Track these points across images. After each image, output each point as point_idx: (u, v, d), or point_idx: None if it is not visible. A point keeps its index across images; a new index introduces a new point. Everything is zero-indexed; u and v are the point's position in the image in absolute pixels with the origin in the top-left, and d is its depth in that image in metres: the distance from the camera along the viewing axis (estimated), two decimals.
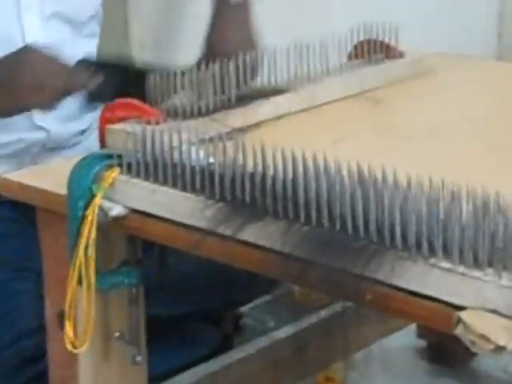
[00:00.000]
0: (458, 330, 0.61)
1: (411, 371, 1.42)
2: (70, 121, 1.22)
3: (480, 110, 1.09)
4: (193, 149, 0.79)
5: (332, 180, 0.71)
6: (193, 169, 0.77)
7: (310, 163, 0.73)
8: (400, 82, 1.19)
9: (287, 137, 1.00)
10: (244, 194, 0.74)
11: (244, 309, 1.21)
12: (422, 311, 0.66)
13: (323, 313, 1.10)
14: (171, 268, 0.98)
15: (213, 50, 1.20)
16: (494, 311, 0.62)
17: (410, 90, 1.18)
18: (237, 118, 1.02)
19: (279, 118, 1.06)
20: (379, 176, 0.70)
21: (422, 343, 1.44)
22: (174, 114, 0.98)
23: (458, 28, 1.87)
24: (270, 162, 0.75)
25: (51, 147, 1.21)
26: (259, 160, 0.75)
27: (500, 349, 0.60)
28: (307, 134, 1.03)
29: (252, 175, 0.74)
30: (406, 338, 1.39)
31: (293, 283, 0.74)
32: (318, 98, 1.11)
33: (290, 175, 0.74)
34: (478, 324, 0.61)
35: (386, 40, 1.21)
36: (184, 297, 1.14)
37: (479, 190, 0.66)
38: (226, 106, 1.03)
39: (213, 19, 1.25)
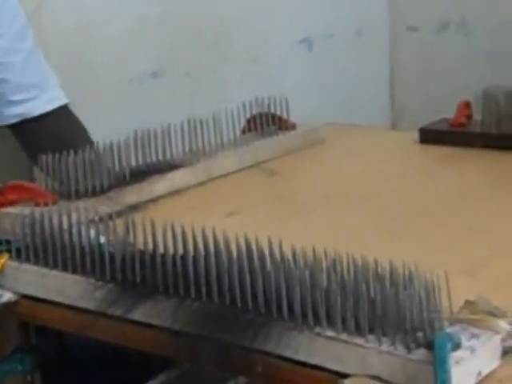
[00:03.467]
0: None
1: None
2: None
3: (370, 180, 1.14)
4: (83, 230, 0.80)
5: (220, 255, 0.73)
6: (83, 250, 0.78)
7: (200, 239, 0.75)
8: (293, 153, 1.23)
9: (182, 212, 1.02)
10: (134, 273, 0.75)
11: None
12: (309, 380, 0.67)
13: None
14: (70, 347, 0.97)
15: None
16: (376, 377, 0.64)
17: (302, 161, 1.22)
18: (131, 194, 1.03)
19: (175, 193, 1.08)
20: (266, 249, 0.72)
21: None
22: (67, 194, 0.99)
23: (352, 96, 1.94)
24: (159, 239, 0.76)
25: None
26: (149, 238, 0.76)
27: None
28: (202, 208, 1.05)
29: (141, 254, 0.75)
30: None
31: (184, 360, 0.74)
32: (214, 172, 1.14)
33: (179, 252, 0.75)
34: None
35: (278, 113, 1.25)
36: (86, 374, 1.12)
37: (359, 258, 0.69)
38: (121, 183, 1.04)
39: None
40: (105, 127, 1.42)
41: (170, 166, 1.10)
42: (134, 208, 1.02)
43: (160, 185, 1.07)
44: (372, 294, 0.67)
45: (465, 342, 0.64)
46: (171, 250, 0.75)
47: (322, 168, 1.21)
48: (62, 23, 1.46)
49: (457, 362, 0.62)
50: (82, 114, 1.38)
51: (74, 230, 0.80)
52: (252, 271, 0.71)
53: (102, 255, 0.77)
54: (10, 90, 1.31)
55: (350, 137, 1.32)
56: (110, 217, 0.82)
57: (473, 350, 0.64)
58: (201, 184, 1.11)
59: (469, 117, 1.22)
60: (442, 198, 1.04)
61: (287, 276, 0.70)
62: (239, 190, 1.11)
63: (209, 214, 1.01)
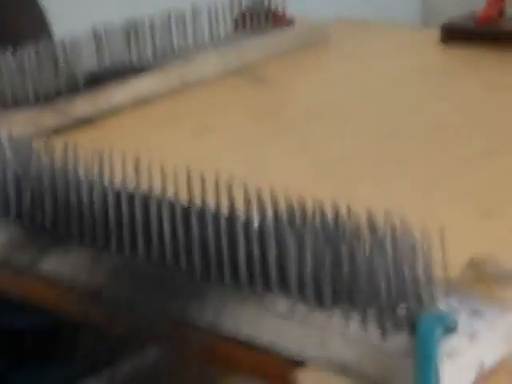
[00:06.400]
0: None
1: None
2: None
3: (382, 89, 0.94)
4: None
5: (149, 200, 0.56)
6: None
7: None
8: (289, 56, 1.03)
9: (142, 128, 0.85)
10: (44, 216, 0.59)
11: None
12: (255, 366, 0.51)
13: None
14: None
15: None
16: (339, 367, 0.47)
17: (299, 65, 1.02)
18: (84, 104, 0.86)
19: (139, 103, 0.90)
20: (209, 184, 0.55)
21: None
22: (4, 100, 0.83)
23: None
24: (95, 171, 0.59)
25: None
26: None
27: None
28: (168, 122, 0.87)
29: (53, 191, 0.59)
30: None
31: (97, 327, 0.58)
32: (188, 77, 0.95)
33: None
34: None
35: (273, 6, 1.06)
36: None
37: (329, 204, 0.52)
38: (72, 89, 0.87)
39: None
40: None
41: (134, 70, 0.92)
42: (86, 121, 0.85)
43: (120, 93, 0.89)
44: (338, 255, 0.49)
45: (463, 323, 0.47)
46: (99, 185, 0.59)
47: (321, 75, 1.01)
48: None
49: (449, 356, 0.45)
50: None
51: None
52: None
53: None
54: None
55: (362, 36, 1.12)
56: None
57: (473, 334, 0.47)
58: (171, 92, 0.93)
59: (501, 11, 1.01)
60: (461, 112, 0.85)
61: (230, 232, 0.52)
62: (216, 102, 0.93)
63: (173, 131, 0.84)
